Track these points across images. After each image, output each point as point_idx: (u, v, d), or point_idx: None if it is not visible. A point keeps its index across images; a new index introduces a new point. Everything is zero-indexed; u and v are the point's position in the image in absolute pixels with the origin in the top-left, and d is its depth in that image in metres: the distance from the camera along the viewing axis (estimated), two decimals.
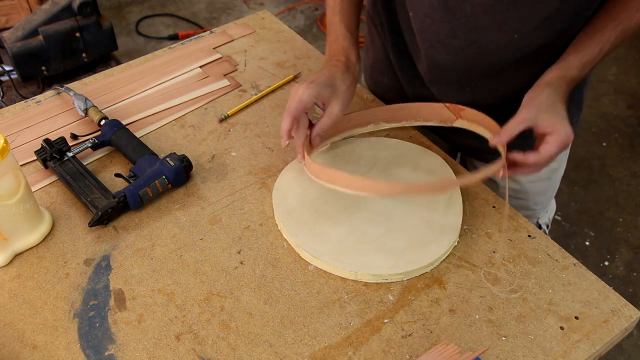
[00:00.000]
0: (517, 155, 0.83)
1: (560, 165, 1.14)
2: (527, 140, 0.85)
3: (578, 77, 0.85)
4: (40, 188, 0.95)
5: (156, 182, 0.91)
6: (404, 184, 0.79)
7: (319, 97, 0.87)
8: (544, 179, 1.12)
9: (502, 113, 0.90)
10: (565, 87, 0.84)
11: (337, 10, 0.96)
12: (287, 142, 0.88)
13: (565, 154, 1.15)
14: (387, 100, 1.14)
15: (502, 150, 0.86)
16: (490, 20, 0.85)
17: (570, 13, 0.84)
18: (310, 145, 0.92)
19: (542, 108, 0.81)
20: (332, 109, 0.89)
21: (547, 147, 0.81)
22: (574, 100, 1.00)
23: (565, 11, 0.83)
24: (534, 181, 1.11)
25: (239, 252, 0.86)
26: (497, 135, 0.84)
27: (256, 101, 1.11)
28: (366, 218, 0.89)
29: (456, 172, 0.96)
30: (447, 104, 0.99)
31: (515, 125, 0.82)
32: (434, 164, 0.98)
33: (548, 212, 1.20)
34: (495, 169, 0.82)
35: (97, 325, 0.78)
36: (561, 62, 0.86)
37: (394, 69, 1.07)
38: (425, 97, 1.04)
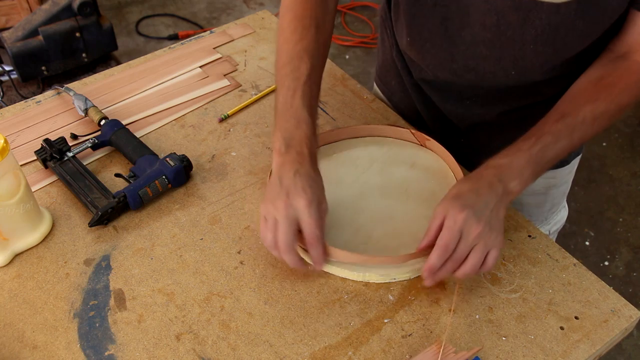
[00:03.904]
0: (426, 261, 0.76)
1: (559, 182, 1.12)
2: None
3: (511, 163, 0.77)
4: (40, 188, 0.95)
5: (156, 182, 0.91)
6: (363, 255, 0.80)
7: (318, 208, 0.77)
8: (540, 193, 1.11)
9: (499, 128, 0.90)
10: (485, 172, 0.77)
11: (298, 94, 0.83)
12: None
13: (570, 173, 1.13)
14: (394, 102, 1.14)
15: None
16: (489, 53, 0.85)
17: (567, 59, 0.84)
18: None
19: (446, 199, 0.76)
20: (322, 208, 0.79)
21: (440, 233, 0.75)
22: None
23: (562, 57, 0.83)
24: (528, 194, 1.10)
25: (239, 252, 0.86)
26: (429, 260, 0.76)
27: (256, 101, 1.10)
28: (369, 218, 0.89)
29: (454, 170, 0.96)
30: (414, 131, 1.00)
31: (430, 225, 0.77)
32: (430, 161, 0.98)
33: (550, 225, 1.19)
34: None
35: (97, 325, 0.78)
36: (494, 155, 0.80)
37: (400, 73, 1.08)
38: (429, 103, 1.04)
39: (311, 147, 0.81)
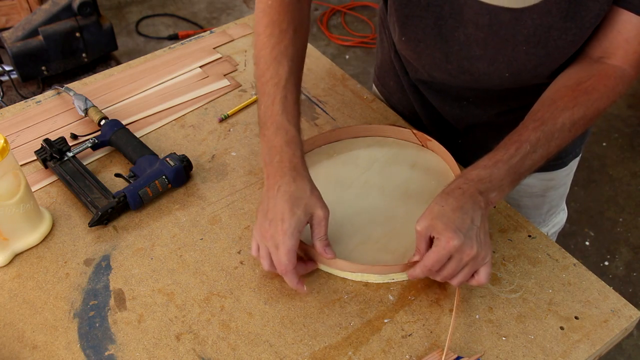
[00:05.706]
0: (411, 270, 0.79)
1: (557, 184, 1.12)
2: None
3: (491, 175, 0.76)
4: (40, 188, 0.95)
5: (156, 182, 0.91)
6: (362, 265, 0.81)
7: (300, 229, 0.77)
8: (538, 195, 1.11)
9: (497, 128, 0.90)
10: (466, 186, 0.76)
11: (277, 100, 0.82)
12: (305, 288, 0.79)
13: (568, 175, 1.13)
14: (393, 103, 1.14)
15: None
16: (482, 53, 0.85)
17: (559, 64, 0.84)
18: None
19: (430, 216, 0.75)
20: (318, 216, 0.78)
21: (429, 252, 0.75)
22: None
23: (554, 61, 0.83)
24: (526, 196, 1.10)
25: (239, 252, 0.86)
26: (413, 269, 0.78)
27: (256, 101, 1.10)
28: (368, 218, 0.89)
29: (454, 171, 0.96)
30: (415, 131, 1.00)
31: (418, 244, 0.78)
32: (431, 161, 0.98)
33: (548, 227, 1.19)
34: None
35: (97, 325, 0.78)
36: (472, 165, 0.79)
37: (398, 73, 1.08)
38: (427, 104, 1.05)
39: (292, 154, 0.80)
